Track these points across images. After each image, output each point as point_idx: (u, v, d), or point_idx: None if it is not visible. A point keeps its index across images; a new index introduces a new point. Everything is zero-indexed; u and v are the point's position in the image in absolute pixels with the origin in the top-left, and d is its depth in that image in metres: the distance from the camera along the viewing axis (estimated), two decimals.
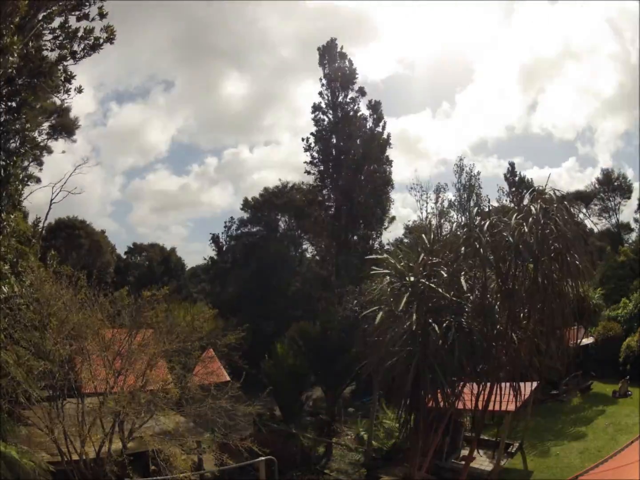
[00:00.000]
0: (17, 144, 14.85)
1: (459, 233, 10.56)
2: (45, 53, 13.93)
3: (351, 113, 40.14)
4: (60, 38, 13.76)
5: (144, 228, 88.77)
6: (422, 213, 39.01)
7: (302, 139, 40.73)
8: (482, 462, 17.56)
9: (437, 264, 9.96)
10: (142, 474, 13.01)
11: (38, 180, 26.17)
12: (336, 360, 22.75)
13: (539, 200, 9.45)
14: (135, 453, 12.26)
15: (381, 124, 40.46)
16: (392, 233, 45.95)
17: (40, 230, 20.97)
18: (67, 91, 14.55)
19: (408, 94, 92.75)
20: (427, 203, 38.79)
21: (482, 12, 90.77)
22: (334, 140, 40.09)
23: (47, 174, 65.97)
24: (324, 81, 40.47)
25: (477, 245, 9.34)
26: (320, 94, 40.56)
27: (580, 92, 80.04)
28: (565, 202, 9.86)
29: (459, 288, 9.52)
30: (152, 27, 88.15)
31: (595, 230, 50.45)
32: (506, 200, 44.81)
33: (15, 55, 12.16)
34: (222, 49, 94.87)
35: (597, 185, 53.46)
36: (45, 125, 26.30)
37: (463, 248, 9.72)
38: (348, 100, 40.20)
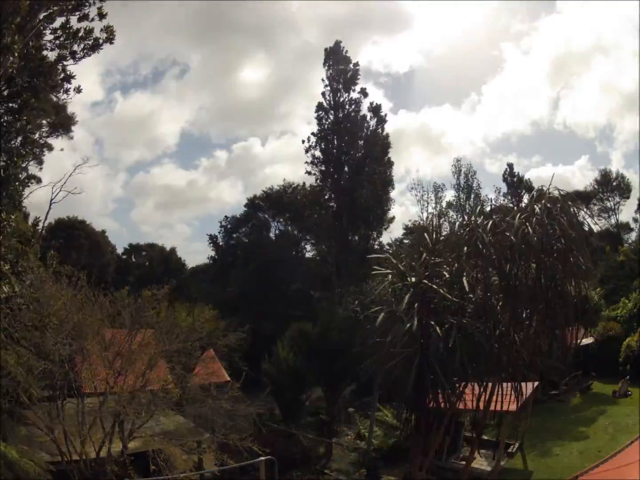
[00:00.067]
0: (18, 144, 14.85)
1: (460, 233, 10.54)
2: (45, 53, 13.93)
3: (353, 114, 40.23)
4: (61, 38, 13.76)
5: (147, 226, 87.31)
6: (422, 213, 39.02)
7: (303, 141, 40.84)
8: (482, 462, 17.56)
9: (439, 264, 9.94)
10: (142, 474, 12.98)
11: (39, 180, 26.11)
12: (336, 360, 22.73)
13: (543, 200, 9.44)
14: (135, 453, 12.24)
15: (382, 125, 40.60)
16: (392, 233, 45.83)
17: (40, 230, 20.93)
18: (66, 91, 14.56)
19: (434, 86, 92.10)
20: (427, 203, 38.80)
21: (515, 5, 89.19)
22: (336, 141, 40.15)
23: (48, 172, 63.88)
24: (326, 82, 40.59)
25: (480, 245, 9.32)
26: (323, 94, 40.71)
27: (604, 89, 78.71)
28: (569, 202, 9.85)
29: (461, 288, 9.50)
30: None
31: (595, 230, 50.44)
32: (503, 200, 44.89)
33: (16, 55, 12.15)
34: (244, 26, 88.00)
35: (596, 186, 53.50)
36: (45, 122, 26.20)
37: (465, 248, 9.70)
38: (350, 101, 40.30)
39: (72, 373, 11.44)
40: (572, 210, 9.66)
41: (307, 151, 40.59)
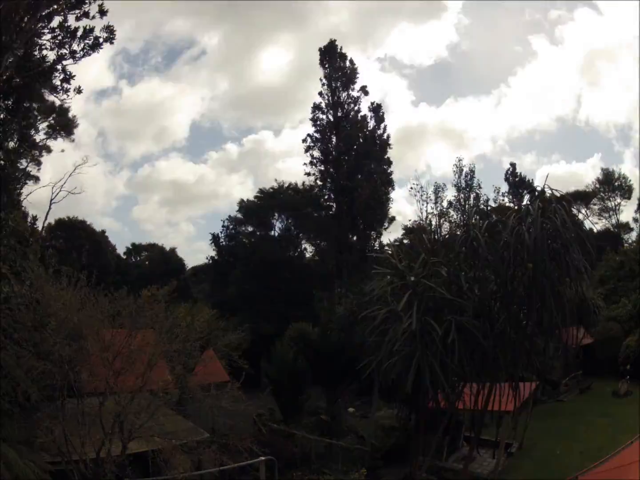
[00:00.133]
0: (16, 143, 14.84)
1: (457, 233, 10.57)
2: (44, 52, 13.90)
3: (352, 113, 40.19)
4: (59, 37, 13.71)
5: (151, 225, 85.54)
6: (422, 213, 38.94)
7: (303, 140, 40.82)
8: (482, 462, 17.57)
9: (437, 264, 9.96)
10: (142, 474, 12.98)
11: (37, 180, 26.06)
12: (336, 360, 22.72)
13: (538, 201, 9.48)
14: (135, 453, 12.24)
15: (382, 125, 40.60)
16: (392, 234, 45.75)
17: (39, 230, 20.92)
18: (66, 91, 14.52)
19: (458, 79, 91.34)
20: (427, 203, 38.71)
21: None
22: (334, 141, 40.12)
23: (50, 170, 64.41)
24: (324, 81, 40.53)
25: (476, 245, 9.35)
26: (321, 94, 40.66)
27: (627, 88, 78.23)
28: (564, 202, 9.87)
29: (459, 288, 9.53)
30: None
31: (595, 230, 50.39)
32: (503, 200, 44.85)
33: (14, 55, 12.14)
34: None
35: (597, 185, 53.46)
36: (44, 124, 26.22)
37: (463, 248, 9.73)
38: (350, 100, 40.24)
39: (71, 373, 11.42)
40: (567, 210, 9.68)
41: (306, 151, 40.60)
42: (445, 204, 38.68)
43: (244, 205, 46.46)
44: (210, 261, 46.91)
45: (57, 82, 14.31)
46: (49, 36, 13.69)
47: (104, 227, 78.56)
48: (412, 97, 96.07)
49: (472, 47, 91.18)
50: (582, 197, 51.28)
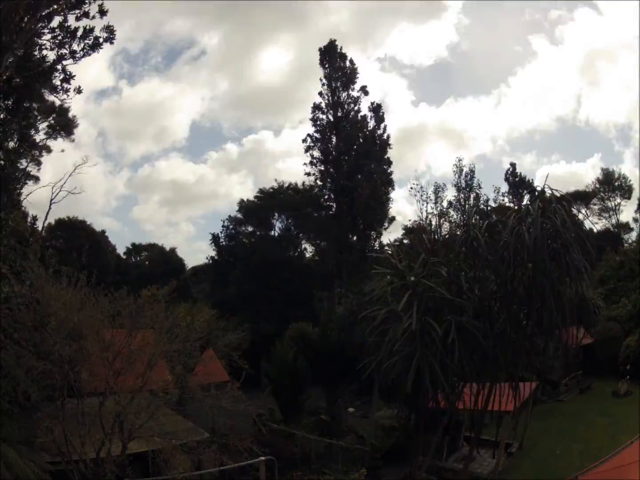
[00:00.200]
0: (16, 143, 14.83)
1: (458, 233, 10.58)
2: (44, 52, 13.88)
3: (352, 113, 40.19)
4: (60, 37, 13.69)
5: (151, 225, 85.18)
6: (422, 213, 38.93)
7: (303, 140, 40.83)
8: (482, 462, 17.57)
9: (437, 264, 9.96)
10: (142, 474, 12.98)
11: (36, 180, 26.04)
12: (336, 360, 22.72)
13: (538, 201, 9.48)
14: (135, 453, 12.24)
15: (382, 125, 40.61)
16: (392, 234, 45.72)
17: (39, 230, 20.91)
18: (66, 91, 14.50)
19: (458, 79, 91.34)
20: (426, 203, 38.70)
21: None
22: (334, 141, 40.13)
23: (51, 170, 64.33)
24: (324, 81, 40.54)
25: (476, 245, 9.35)
26: (321, 94, 40.67)
27: (628, 88, 77.86)
28: (564, 202, 9.87)
29: (459, 288, 9.53)
30: None
31: (595, 230, 50.38)
32: (503, 200, 44.85)
33: (14, 55, 12.13)
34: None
35: (597, 185, 53.44)
36: (44, 124, 26.20)
37: (463, 248, 9.73)
38: (349, 100, 40.26)
39: (71, 373, 11.42)
40: (567, 210, 9.68)
41: (306, 151, 40.60)
42: (445, 204, 38.74)
43: (244, 205, 46.47)
44: (210, 261, 46.91)
45: (57, 82, 14.29)
46: (49, 36, 13.69)
47: (104, 227, 78.38)
48: (412, 97, 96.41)
49: (472, 47, 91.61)
50: (582, 197, 51.25)
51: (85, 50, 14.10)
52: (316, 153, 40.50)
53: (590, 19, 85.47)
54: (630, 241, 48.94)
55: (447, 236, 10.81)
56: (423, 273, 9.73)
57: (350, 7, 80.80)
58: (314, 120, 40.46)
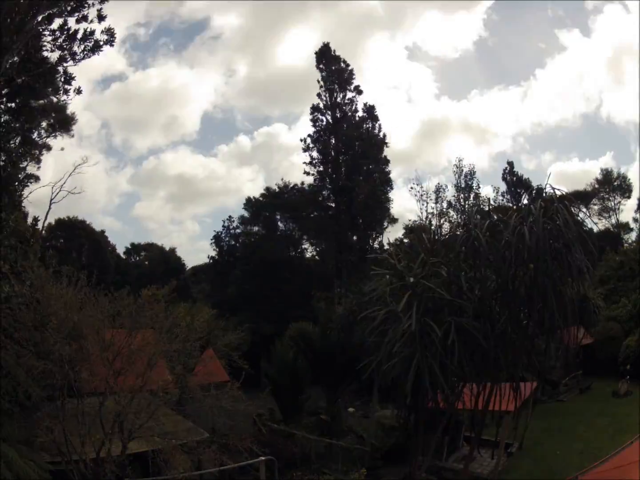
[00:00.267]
0: (17, 144, 14.83)
1: (458, 232, 10.56)
2: (45, 54, 13.90)
3: (349, 114, 40.34)
4: (60, 40, 13.72)
5: (154, 223, 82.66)
6: (422, 213, 38.97)
7: (301, 140, 40.95)
8: (482, 462, 17.57)
9: (437, 264, 9.95)
10: (142, 474, 12.99)
11: (37, 179, 26.00)
12: (336, 360, 22.73)
13: (539, 200, 9.46)
14: (135, 453, 12.25)
15: (377, 124, 40.86)
16: (392, 234, 45.70)
17: (39, 230, 20.90)
18: (66, 92, 14.52)
19: (482, 73, 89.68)
20: (427, 203, 38.74)
21: None
22: (333, 141, 40.24)
23: (51, 165, 61.22)
24: (321, 83, 40.73)
25: (477, 245, 9.34)
26: (319, 95, 40.81)
27: None
28: (566, 202, 9.85)
29: (460, 288, 9.51)
30: None
31: (595, 230, 50.36)
32: (502, 200, 44.86)
33: (14, 56, 12.14)
34: None
35: (597, 185, 53.42)
36: (44, 123, 26.14)
37: (463, 248, 9.72)
38: (346, 101, 40.46)
39: (72, 373, 11.42)
40: (568, 210, 9.66)
41: (305, 151, 40.71)
42: (445, 204, 38.77)
43: (251, 204, 46.61)
44: (211, 261, 46.93)
45: (57, 83, 14.30)
46: (49, 38, 13.73)
47: (106, 225, 78.28)
48: (435, 89, 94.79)
49: (498, 41, 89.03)
50: (582, 197, 51.23)
51: (85, 53, 14.15)
52: (315, 154, 40.64)
53: (619, 16, 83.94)
54: (630, 241, 48.95)
55: (447, 236, 10.79)
56: (422, 273, 9.72)
57: None
58: (314, 121, 40.64)
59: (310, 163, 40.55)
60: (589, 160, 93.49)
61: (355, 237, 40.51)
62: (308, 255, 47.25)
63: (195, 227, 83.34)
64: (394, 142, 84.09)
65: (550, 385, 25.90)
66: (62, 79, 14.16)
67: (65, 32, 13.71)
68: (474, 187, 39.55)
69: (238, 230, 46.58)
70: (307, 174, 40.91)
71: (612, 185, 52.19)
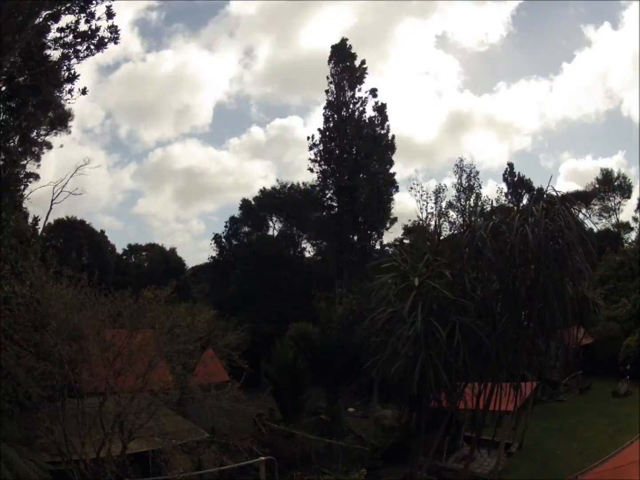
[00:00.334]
0: (16, 142, 14.74)
1: (460, 233, 10.57)
2: (47, 52, 13.75)
3: (356, 113, 40.13)
4: (67, 38, 13.56)
5: (158, 222, 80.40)
6: (422, 213, 38.86)
7: (308, 137, 40.81)
8: (482, 462, 17.57)
9: (441, 265, 9.96)
10: (142, 474, 12.99)
11: (37, 177, 25.91)
12: (336, 360, 22.74)
13: (541, 201, 9.48)
14: (135, 453, 12.25)
15: (386, 125, 40.58)
16: (392, 234, 45.61)
17: (40, 230, 20.89)
18: (69, 91, 14.38)
19: (506, 68, 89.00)
20: (427, 203, 38.61)
21: None
22: (338, 140, 40.06)
23: (53, 161, 60.30)
24: (331, 79, 40.47)
25: (480, 245, 9.35)
26: (327, 92, 40.59)
27: None
28: (567, 203, 9.87)
29: (463, 288, 9.52)
30: None
31: (595, 230, 50.35)
32: (505, 201, 44.79)
33: (16, 55, 12.07)
34: None
35: (597, 185, 53.42)
36: (43, 120, 25.99)
37: (467, 249, 9.73)
38: (355, 100, 40.23)
39: (72, 373, 11.42)
40: (569, 211, 9.68)
41: (310, 148, 40.53)
42: (444, 204, 38.68)
43: (245, 205, 46.55)
44: (211, 261, 46.92)
45: (60, 81, 14.15)
46: (53, 36, 13.57)
47: (108, 225, 75.98)
48: (459, 81, 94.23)
49: (525, 36, 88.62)
50: (582, 197, 51.22)
51: (89, 50, 13.92)
52: (320, 151, 40.40)
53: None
54: (630, 241, 48.95)
55: (449, 236, 10.81)
56: (427, 274, 9.73)
57: None
58: (326, 117, 40.39)
59: (315, 161, 40.41)
60: (602, 159, 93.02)
61: (356, 237, 40.41)
62: (308, 255, 47.26)
63: (200, 226, 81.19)
64: (414, 135, 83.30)
65: (551, 385, 25.91)
66: (65, 77, 13.97)
67: (72, 31, 13.47)
68: (475, 187, 39.44)
69: (239, 230, 46.57)
70: (311, 170, 40.78)
71: (612, 185, 52.18)
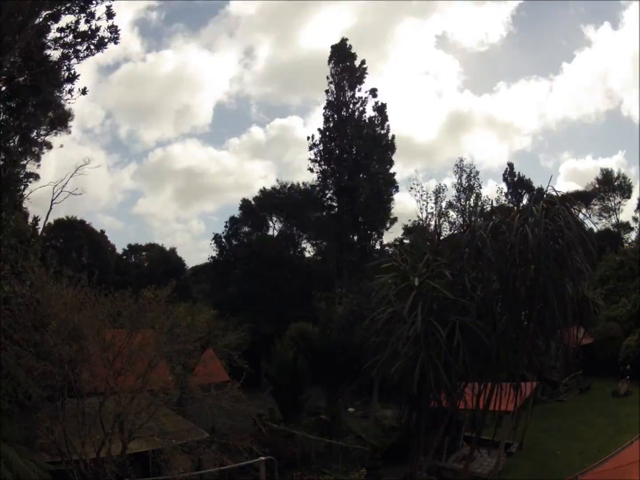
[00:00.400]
0: (16, 143, 14.74)
1: (460, 233, 10.57)
2: (47, 52, 13.74)
3: (356, 113, 40.14)
4: (67, 38, 13.55)
5: (158, 222, 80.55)
6: (422, 213, 38.84)
7: (308, 137, 40.82)
8: (482, 462, 17.57)
9: (441, 265, 9.97)
10: (143, 474, 12.99)
11: (37, 177, 25.90)
12: (336, 360, 22.74)
13: (541, 201, 9.49)
14: (135, 453, 12.25)
15: (386, 125, 40.58)
16: (393, 234, 45.61)
17: (40, 230, 20.89)
18: (69, 91, 14.37)
19: (506, 68, 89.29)
20: (427, 202, 38.59)
21: None
22: (338, 140, 40.08)
23: (54, 160, 60.57)
24: (331, 79, 40.49)
25: (480, 245, 9.36)
26: (327, 91, 40.60)
27: None
28: (567, 203, 9.88)
29: (463, 288, 9.53)
30: None
31: (595, 230, 50.36)
32: (505, 201, 44.77)
33: (16, 55, 12.07)
34: None
35: (597, 185, 53.43)
36: (43, 120, 25.96)
37: (467, 249, 9.73)
38: (355, 100, 40.24)
39: (72, 373, 11.42)
40: (570, 211, 9.68)
41: (310, 148, 40.54)
42: (444, 204, 38.66)
43: (244, 205, 46.56)
44: (211, 261, 46.92)
45: (60, 81, 14.15)
46: (53, 36, 13.56)
47: (109, 224, 75.93)
48: (458, 81, 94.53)
49: (524, 37, 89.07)
50: (582, 197, 51.24)
51: (89, 50, 13.90)
52: (318, 151, 40.42)
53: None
54: (630, 241, 48.95)
55: (449, 236, 10.83)
56: (427, 274, 9.74)
57: None
58: (326, 117, 40.42)
59: (315, 161, 40.42)
60: (602, 159, 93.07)
61: (356, 237, 40.42)
62: (308, 255, 47.27)
63: (200, 226, 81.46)
64: (414, 135, 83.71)
65: (551, 385, 25.92)
66: (65, 77, 13.96)
67: (72, 31, 13.47)
68: (475, 187, 39.43)
69: (239, 230, 46.58)
70: (311, 170, 40.79)
71: (612, 185, 52.19)
